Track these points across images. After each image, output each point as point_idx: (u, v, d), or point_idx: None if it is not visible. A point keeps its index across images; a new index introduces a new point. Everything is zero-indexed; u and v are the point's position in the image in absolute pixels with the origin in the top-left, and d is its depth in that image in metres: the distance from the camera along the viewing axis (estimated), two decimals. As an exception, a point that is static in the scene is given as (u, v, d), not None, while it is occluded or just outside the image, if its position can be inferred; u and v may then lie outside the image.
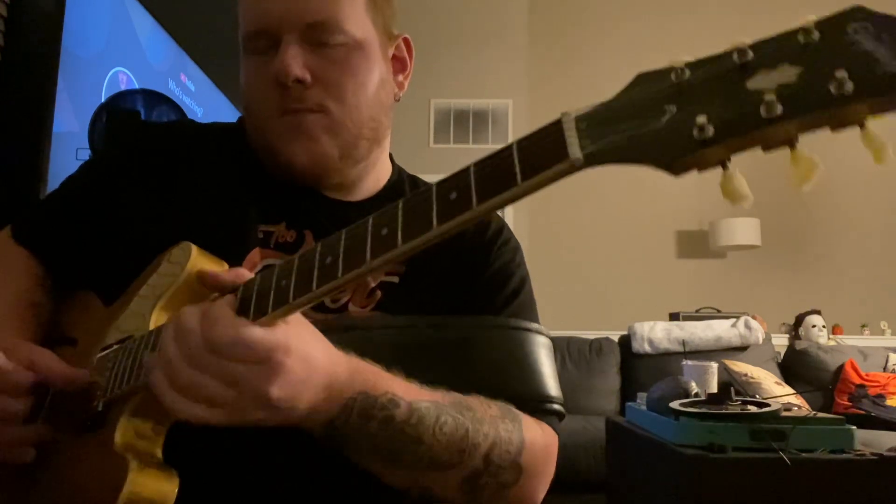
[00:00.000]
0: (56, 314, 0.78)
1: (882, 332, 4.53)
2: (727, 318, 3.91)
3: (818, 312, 4.22)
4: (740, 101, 0.37)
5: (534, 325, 0.72)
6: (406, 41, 0.82)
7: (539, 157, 0.42)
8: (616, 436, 2.52)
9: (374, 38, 0.76)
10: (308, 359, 0.53)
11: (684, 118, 0.38)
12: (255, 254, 0.72)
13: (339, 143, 0.73)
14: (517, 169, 0.43)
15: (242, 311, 0.54)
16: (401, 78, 0.82)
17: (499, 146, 0.45)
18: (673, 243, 4.93)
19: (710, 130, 0.37)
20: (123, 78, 2.02)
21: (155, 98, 1.77)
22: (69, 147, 1.71)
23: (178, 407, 0.52)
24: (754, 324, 3.79)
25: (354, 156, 0.76)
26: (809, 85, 0.35)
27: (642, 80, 0.42)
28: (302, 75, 0.70)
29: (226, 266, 0.65)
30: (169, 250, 0.67)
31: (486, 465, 0.62)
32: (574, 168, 0.41)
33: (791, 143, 0.37)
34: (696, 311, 4.25)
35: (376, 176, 0.83)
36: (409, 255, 0.48)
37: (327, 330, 0.58)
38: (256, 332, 0.51)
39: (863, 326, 4.56)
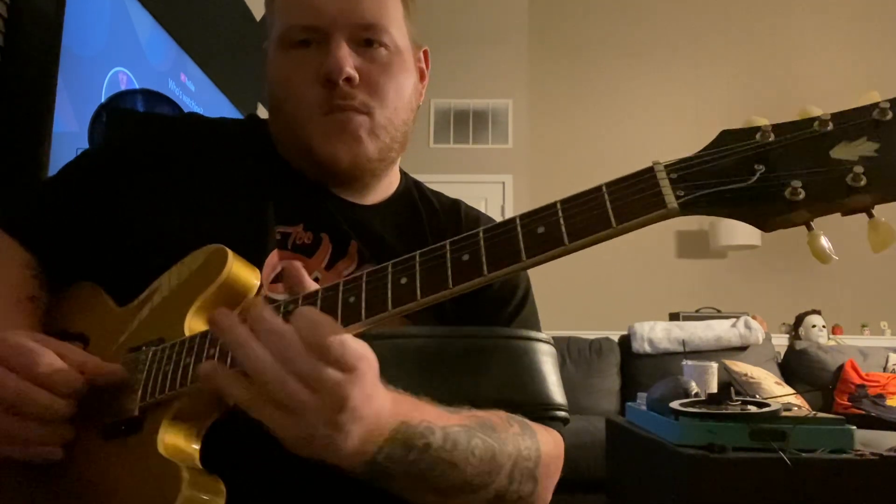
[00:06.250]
0: (51, 307, 0.73)
1: (882, 332, 4.54)
2: (727, 318, 3.91)
3: (818, 312, 4.23)
4: (828, 168, 0.41)
5: (541, 335, 0.73)
6: (425, 52, 0.84)
7: (634, 203, 0.45)
8: (616, 436, 2.52)
9: (408, 46, 0.78)
10: (377, 377, 0.52)
11: (775, 179, 0.42)
12: (273, 256, 0.71)
13: (379, 145, 0.75)
14: (610, 212, 0.45)
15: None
16: (421, 87, 0.84)
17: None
18: (673, 243, 4.93)
19: (802, 194, 0.41)
20: (123, 78, 2.01)
21: (155, 98, 1.77)
22: (69, 147, 1.71)
23: (256, 405, 0.49)
24: (754, 324, 3.79)
25: (388, 159, 0.77)
26: (889, 161, 0.39)
27: (727, 136, 0.45)
28: (353, 74, 0.71)
29: (258, 272, 0.64)
30: (197, 251, 0.65)
31: (510, 483, 0.63)
32: (669, 215, 0.44)
33: (868, 211, 0.41)
34: (696, 311, 4.26)
35: (389, 180, 0.84)
36: (489, 283, 0.49)
37: (359, 337, 0.57)
38: (352, 339, 0.50)
39: (863, 326, 4.57)
